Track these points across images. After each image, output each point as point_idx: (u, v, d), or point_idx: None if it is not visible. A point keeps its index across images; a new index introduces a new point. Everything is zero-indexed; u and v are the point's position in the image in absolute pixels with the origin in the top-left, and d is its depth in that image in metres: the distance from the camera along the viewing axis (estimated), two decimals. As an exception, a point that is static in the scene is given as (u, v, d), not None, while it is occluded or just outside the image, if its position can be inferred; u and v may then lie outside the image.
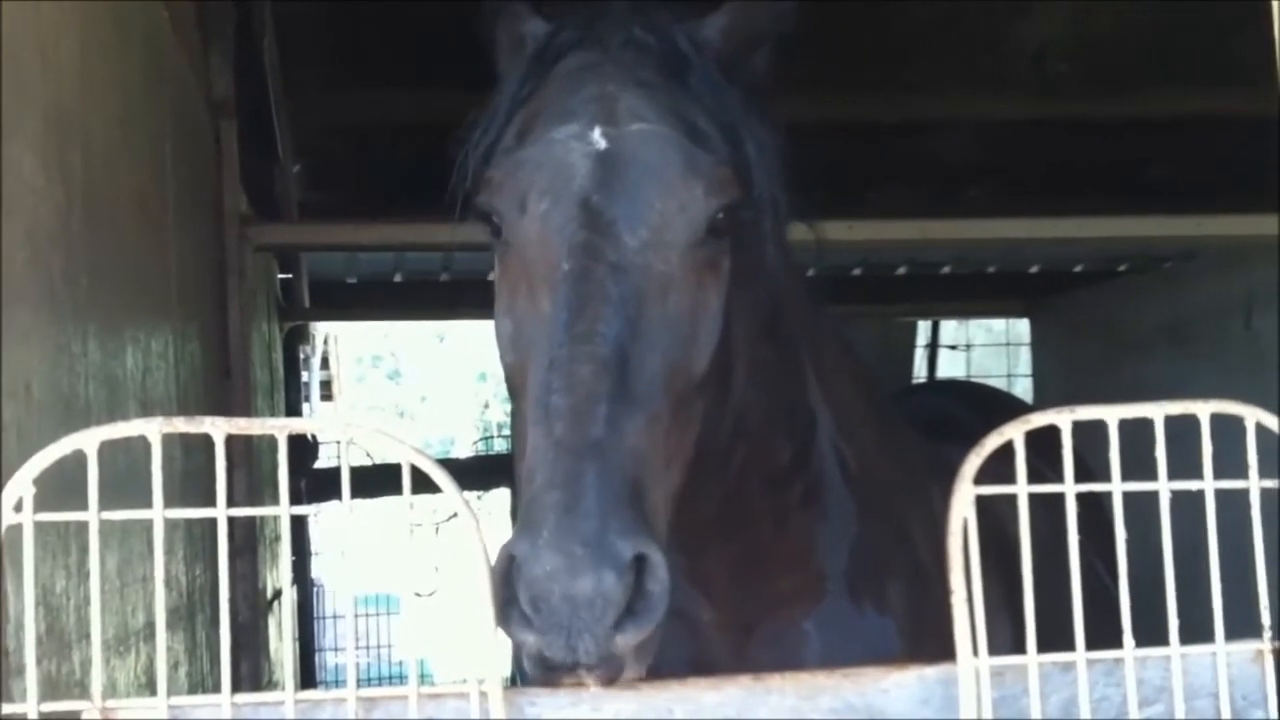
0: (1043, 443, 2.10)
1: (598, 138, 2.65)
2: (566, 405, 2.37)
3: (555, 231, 2.63)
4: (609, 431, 2.35)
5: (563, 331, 2.48)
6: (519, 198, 2.72)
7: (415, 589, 15.59)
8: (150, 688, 2.41)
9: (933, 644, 2.46)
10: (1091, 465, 2.47)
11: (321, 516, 16.24)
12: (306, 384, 17.01)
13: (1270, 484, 2.13)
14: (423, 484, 1.97)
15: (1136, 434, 2.12)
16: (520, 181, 2.73)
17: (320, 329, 17.17)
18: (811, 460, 3.51)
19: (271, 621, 9.92)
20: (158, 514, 1.88)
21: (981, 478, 2.03)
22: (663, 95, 2.75)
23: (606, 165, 2.63)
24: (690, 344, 2.72)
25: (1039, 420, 2.13)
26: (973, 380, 13.02)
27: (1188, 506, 2.13)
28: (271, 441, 2.01)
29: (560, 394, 2.39)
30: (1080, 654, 2.08)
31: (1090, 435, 2.14)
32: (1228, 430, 2.12)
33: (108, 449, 1.88)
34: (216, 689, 1.95)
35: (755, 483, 3.37)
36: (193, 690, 5.57)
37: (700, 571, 3.37)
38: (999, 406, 6.27)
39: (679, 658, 3.32)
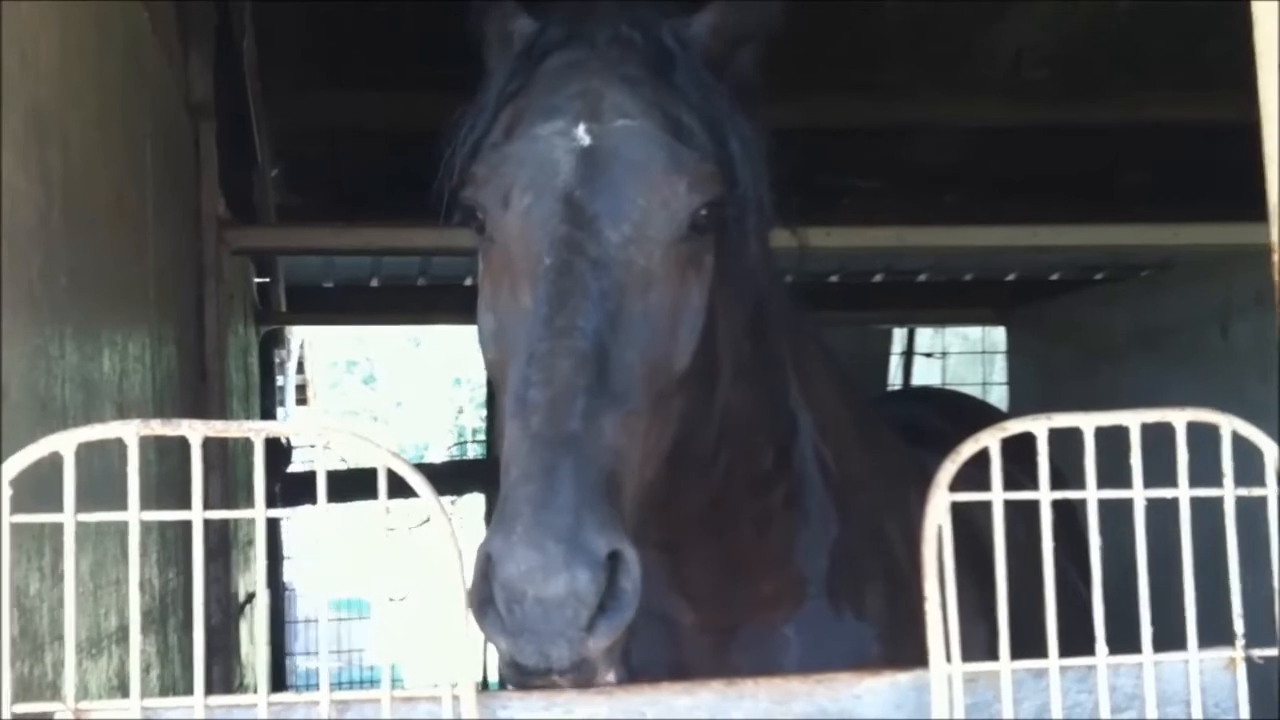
0: (1018, 450, 2.11)
1: (582, 134, 2.66)
2: (544, 399, 2.38)
3: (537, 226, 2.63)
4: (586, 425, 2.35)
5: (543, 326, 2.49)
6: (503, 193, 2.73)
7: (387, 593, 15.55)
8: (122, 690, 2.42)
9: (910, 649, 2.47)
10: (1066, 473, 2.48)
11: (294, 520, 16.22)
12: (282, 388, 17.00)
13: (1245, 492, 2.14)
14: (397, 488, 1.97)
15: (1112, 442, 2.13)
16: (504, 177, 2.73)
17: (296, 333, 17.16)
18: (793, 463, 3.51)
19: (243, 625, 9.90)
20: (133, 516, 1.88)
21: (957, 484, 2.04)
22: (648, 91, 2.75)
23: (590, 161, 2.63)
24: (671, 340, 2.72)
25: (1015, 427, 2.14)
26: (948, 388, 13.07)
27: (1162, 514, 2.14)
28: (246, 446, 2.02)
29: (538, 387, 2.40)
30: (1053, 660, 2.09)
31: (1066, 443, 2.15)
32: (1204, 438, 2.14)
33: (84, 451, 1.88)
34: (188, 692, 1.95)
35: (738, 485, 3.37)
36: (164, 694, 5.55)
37: (682, 574, 3.37)
38: (974, 414, 6.28)
39: (659, 661, 3.32)
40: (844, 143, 10.46)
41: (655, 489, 2.74)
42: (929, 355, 17.43)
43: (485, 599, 2.18)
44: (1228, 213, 7.76)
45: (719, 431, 3.17)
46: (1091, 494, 2.13)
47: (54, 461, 1.85)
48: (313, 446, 2.08)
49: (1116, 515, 2.15)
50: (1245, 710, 2.15)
